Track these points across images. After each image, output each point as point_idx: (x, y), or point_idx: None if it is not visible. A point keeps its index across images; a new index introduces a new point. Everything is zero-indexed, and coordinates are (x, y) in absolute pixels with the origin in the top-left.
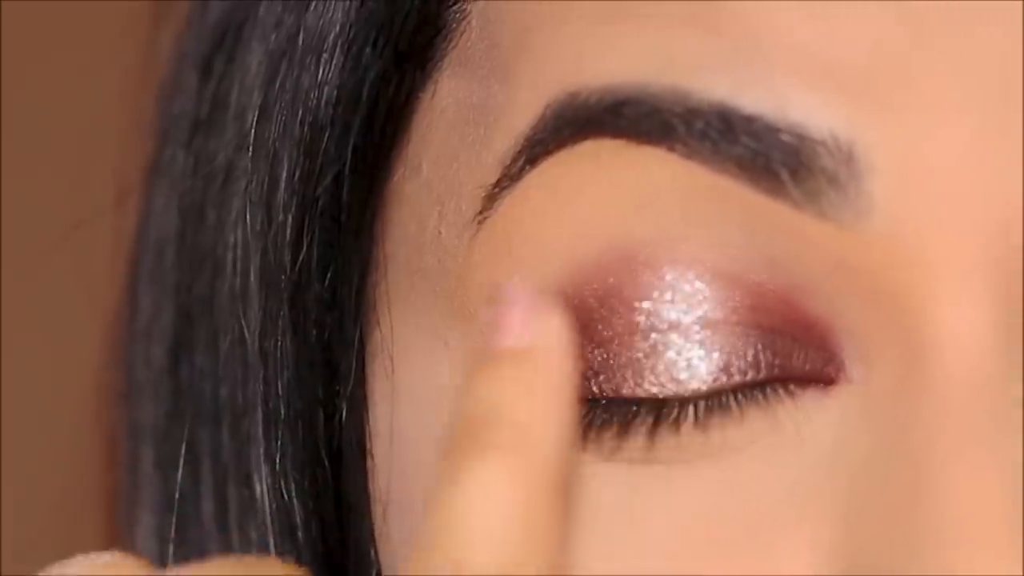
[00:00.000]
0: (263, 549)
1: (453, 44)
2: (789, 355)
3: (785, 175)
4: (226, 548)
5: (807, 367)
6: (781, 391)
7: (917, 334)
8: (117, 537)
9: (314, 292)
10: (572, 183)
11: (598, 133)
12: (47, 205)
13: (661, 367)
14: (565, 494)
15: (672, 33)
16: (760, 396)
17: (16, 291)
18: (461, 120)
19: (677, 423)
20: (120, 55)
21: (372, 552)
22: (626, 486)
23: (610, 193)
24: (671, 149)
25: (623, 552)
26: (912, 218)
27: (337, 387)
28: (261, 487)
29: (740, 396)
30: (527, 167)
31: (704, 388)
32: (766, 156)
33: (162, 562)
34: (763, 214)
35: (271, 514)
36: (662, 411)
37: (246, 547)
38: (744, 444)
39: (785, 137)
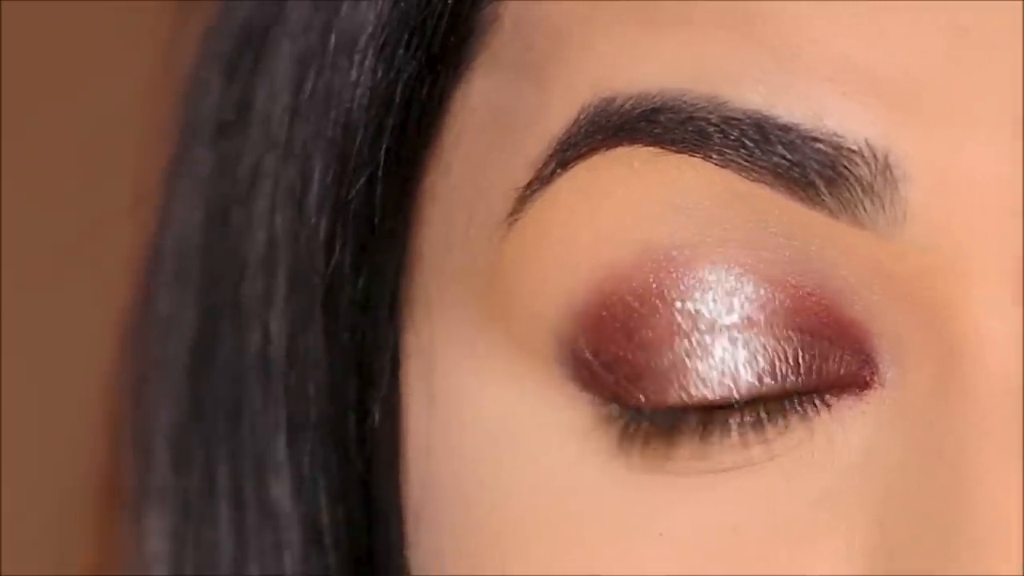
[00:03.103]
0: (280, 553)
1: (485, 46)
2: (826, 358)
3: (821, 184)
4: (241, 552)
5: (842, 371)
6: (817, 401)
7: (953, 340)
8: (118, 538)
9: (347, 294)
10: (604, 187)
11: (632, 139)
12: (57, 207)
13: (706, 368)
14: None
15: (708, 40)
16: (797, 403)
17: (25, 293)
18: (493, 122)
19: (723, 431)
20: (141, 56)
21: (402, 559)
22: (659, 498)
23: (644, 197)
24: (706, 157)
25: (657, 565)
26: (947, 227)
27: (370, 391)
28: (282, 490)
29: (782, 403)
30: (559, 170)
31: (751, 391)
32: (802, 165)
33: (175, 564)
34: (799, 221)
35: (293, 518)
36: (711, 417)
37: (262, 552)
38: (781, 453)
39: (821, 146)
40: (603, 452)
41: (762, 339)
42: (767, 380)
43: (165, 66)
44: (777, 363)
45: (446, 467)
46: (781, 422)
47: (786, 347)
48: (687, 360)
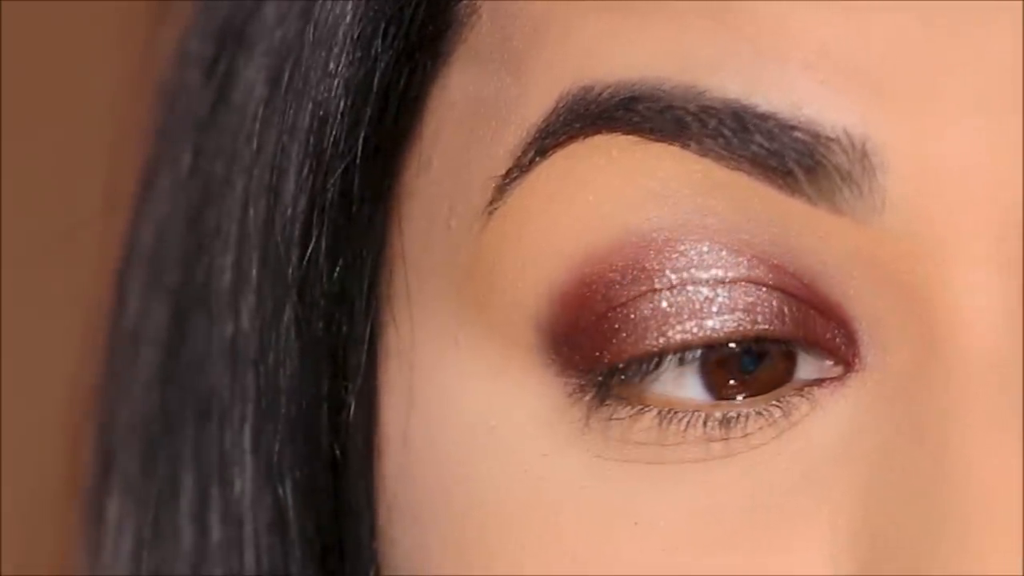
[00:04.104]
0: (241, 545)
1: (463, 38)
2: (812, 323)
3: (799, 173)
4: (203, 545)
5: (827, 335)
6: (795, 396)
7: (932, 321)
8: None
9: (322, 285)
10: (583, 174)
11: (611, 127)
12: (32, 208)
13: (686, 311)
14: None
15: (687, 30)
16: (775, 400)
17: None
18: (472, 114)
19: (691, 422)
20: (116, 56)
21: (370, 552)
22: (631, 485)
23: (623, 185)
24: (685, 146)
25: (636, 554)
26: (925, 213)
27: (345, 383)
28: (245, 484)
29: (760, 397)
30: (537, 158)
31: (730, 333)
32: (780, 154)
33: (135, 562)
34: (778, 208)
35: (256, 512)
36: (686, 357)
37: (225, 543)
38: (759, 442)
39: (799, 135)
40: (574, 438)
41: (744, 288)
42: (748, 325)
43: (141, 66)
44: (759, 308)
45: (426, 461)
46: (753, 419)
47: (769, 297)
48: (666, 306)
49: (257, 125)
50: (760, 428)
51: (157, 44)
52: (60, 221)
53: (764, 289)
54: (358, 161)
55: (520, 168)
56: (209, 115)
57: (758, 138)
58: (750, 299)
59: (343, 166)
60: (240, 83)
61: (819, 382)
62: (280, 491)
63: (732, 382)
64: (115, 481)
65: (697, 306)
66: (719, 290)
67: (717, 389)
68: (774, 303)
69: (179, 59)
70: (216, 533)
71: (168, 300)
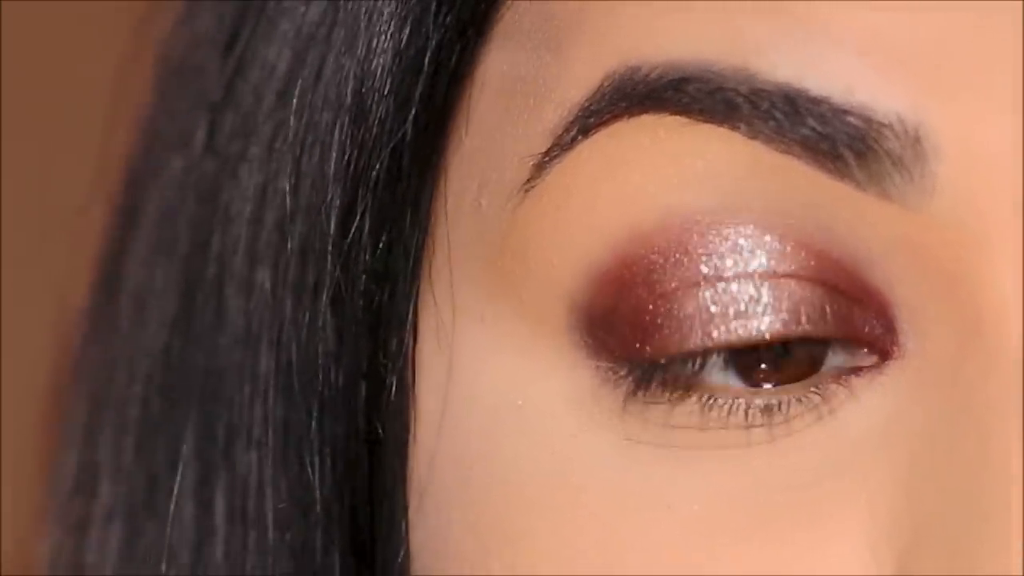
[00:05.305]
0: (253, 523)
1: (499, 17)
2: (852, 314)
3: (850, 157)
4: (208, 521)
5: (867, 329)
6: (832, 384)
7: (975, 309)
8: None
9: (364, 263)
10: (627, 154)
11: (658, 108)
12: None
13: (730, 312)
14: None
15: (738, 11)
16: (812, 388)
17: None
18: (507, 92)
19: (732, 408)
20: (111, 56)
21: (401, 536)
22: (666, 469)
23: (668, 165)
24: (734, 128)
25: (668, 538)
26: (973, 201)
27: (385, 362)
28: (258, 460)
29: (797, 386)
30: (580, 137)
31: (775, 335)
32: (831, 138)
33: (131, 535)
34: (826, 192)
35: (272, 488)
36: (735, 359)
37: (232, 520)
38: (799, 428)
39: (851, 119)
40: (605, 420)
41: (788, 287)
42: (792, 326)
43: (133, 61)
44: (803, 308)
45: (451, 439)
46: (794, 406)
47: (812, 296)
48: (711, 306)
49: (280, 102)
50: (800, 415)
51: (150, 36)
52: (54, 214)
53: (807, 286)
54: (407, 139)
55: (561, 146)
56: (226, 94)
57: (810, 121)
58: (795, 299)
59: (391, 144)
60: (259, 61)
61: (856, 370)
62: (308, 470)
63: (764, 367)
64: (104, 468)
65: (742, 307)
66: (764, 289)
67: (748, 373)
68: (816, 301)
69: (188, 40)
70: (222, 511)
71: (177, 276)
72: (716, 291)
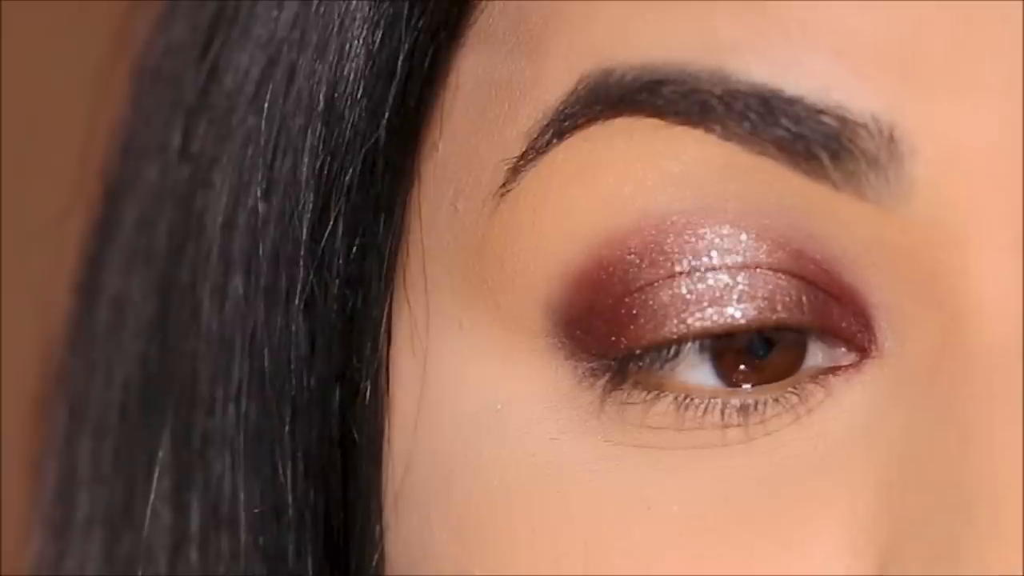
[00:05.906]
0: (227, 527)
1: (473, 20)
2: (829, 310)
3: (825, 157)
4: (184, 526)
5: (844, 324)
6: (811, 384)
7: (954, 308)
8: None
9: (338, 267)
10: (602, 157)
11: (633, 111)
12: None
13: (706, 299)
14: None
15: (713, 12)
16: (791, 382)
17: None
18: (481, 96)
19: (708, 408)
20: (92, 58)
21: (375, 539)
22: (643, 470)
23: (643, 168)
24: (708, 130)
25: (648, 539)
26: (951, 200)
27: (358, 366)
28: (230, 464)
29: (773, 388)
30: (555, 140)
31: (751, 322)
32: (806, 139)
33: (110, 542)
34: (801, 193)
35: (244, 491)
36: (709, 346)
37: (208, 525)
38: (776, 428)
39: (826, 119)
40: (584, 422)
41: (764, 276)
42: (768, 313)
43: (113, 66)
44: (779, 296)
45: (429, 444)
46: (771, 406)
47: (788, 286)
48: (686, 294)
49: (252, 107)
50: (777, 415)
51: (128, 43)
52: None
53: (783, 277)
54: (380, 144)
55: (536, 150)
56: (200, 100)
57: (784, 122)
58: (770, 287)
59: (364, 149)
60: (233, 66)
61: (833, 369)
62: (281, 474)
63: (743, 368)
64: (83, 474)
65: (717, 293)
66: (739, 277)
67: (727, 375)
68: (792, 292)
69: (163, 47)
70: (197, 515)
71: (154, 282)
72: (692, 280)
